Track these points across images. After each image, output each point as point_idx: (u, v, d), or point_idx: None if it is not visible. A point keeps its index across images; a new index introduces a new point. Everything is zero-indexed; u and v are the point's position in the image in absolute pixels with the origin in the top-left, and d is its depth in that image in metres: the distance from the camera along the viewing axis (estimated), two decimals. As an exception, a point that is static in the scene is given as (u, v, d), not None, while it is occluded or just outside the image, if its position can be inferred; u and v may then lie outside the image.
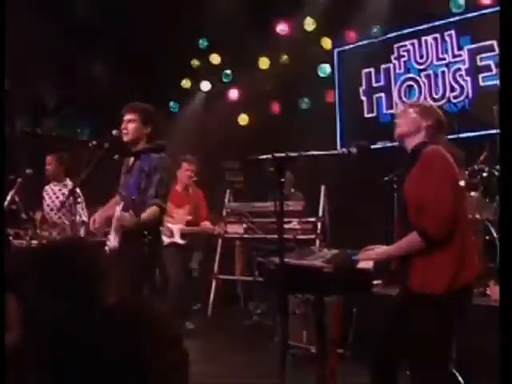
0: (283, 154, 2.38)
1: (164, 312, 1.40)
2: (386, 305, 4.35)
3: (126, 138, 3.88)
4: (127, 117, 3.89)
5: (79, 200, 5.15)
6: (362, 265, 2.52)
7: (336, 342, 3.10)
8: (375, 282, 2.56)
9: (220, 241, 6.87)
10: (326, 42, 7.65)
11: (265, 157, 2.39)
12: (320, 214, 6.31)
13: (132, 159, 3.94)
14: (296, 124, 7.64)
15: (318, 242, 6.10)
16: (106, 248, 3.76)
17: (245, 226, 6.52)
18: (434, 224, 2.42)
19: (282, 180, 2.35)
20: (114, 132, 3.92)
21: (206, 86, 8.67)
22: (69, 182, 5.76)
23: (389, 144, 3.06)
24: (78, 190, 5.63)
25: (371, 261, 2.62)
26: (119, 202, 3.88)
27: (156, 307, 1.41)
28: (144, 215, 3.61)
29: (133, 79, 7.91)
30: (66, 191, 5.64)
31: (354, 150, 2.65)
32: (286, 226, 5.99)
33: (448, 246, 2.45)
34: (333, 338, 3.10)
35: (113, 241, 3.71)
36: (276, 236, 5.80)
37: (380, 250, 2.68)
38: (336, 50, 7.74)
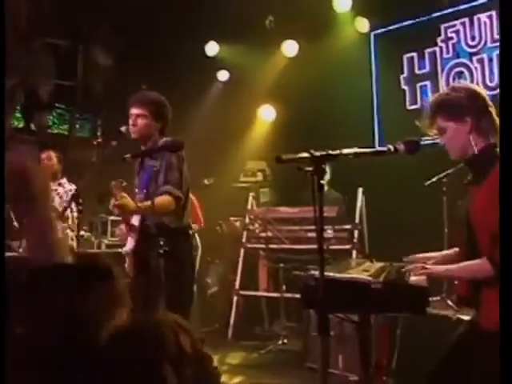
0: (323, 152, 2.36)
1: (190, 329, 1.41)
2: (433, 327, 4.34)
3: (134, 135, 3.86)
4: (135, 111, 3.87)
5: (80, 208, 5.16)
6: (415, 280, 2.49)
7: (382, 369, 3.06)
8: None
9: (242, 251, 6.86)
10: (361, 24, 7.63)
11: (302, 155, 2.36)
12: (357, 220, 6.28)
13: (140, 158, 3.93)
14: (328, 117, 7.62)
15: (354, 252, 6.07)
16: (122, 252, 3.77)
17: (270, 234, 6.52)
18: None
19: (322, 182, 2.32)
20: (123, 129, 3.90)
21: (223, 75, 8.69)
22: (65, 181, 5.73)
23: (438, 140, 3.02)
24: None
25: (424, 276, 2.59)
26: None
27: (183, 325, 1.42)
28: (147, 203, 3.54)
29: (141, 68, 7.95)
30: (61, 191, 5.64)
31: (401, 146, 2.62)
32: (314, 234, 5.96)
33: None
34: (378, 364, 3.06)
35: (128, 244, 3.73)
36: (305, 246, 5.93)
37: (440, 267, 2.63)
38: (373, 33, 7.71)
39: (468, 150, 2.67)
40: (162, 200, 3.59)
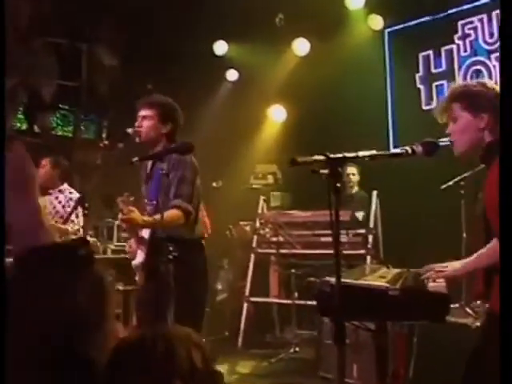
0: (339, 155, 2.35)
1: (203, 344, 1.41)
2: (451, 335, 4.31)
3: (139, 139, 3.86)
4: (142, 113, 3.87)
5: (86, 212, 5.14)
6: (434, 286, 2.48)
7: (399, 379, 3.04)
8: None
9: (252, 256, 6.85)
10: (375, 21, 7.61)
11: (317, 158, 2.35)
12: (371, 224, 6.27)
13: (150, 163, 3.92)
14: (340, 117, 7.61)
15: (368, 258, 6.05)
16: (132, 266, 3.77)
17: (281, 238, 6.51)
18: None
19: (338, 185, 2.31)
20: (130, 130, 3.90)
21: (232, 74, 8.69)
22: (66, 187, 5.72)
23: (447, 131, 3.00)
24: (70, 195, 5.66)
25: (443, 279, 2.57)
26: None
27: (196, 339, 1.42)
28: (157, 217, 3.53)
29: (147, 67, 7.95)
30: (62, 198, 5.63)
31: (418, 148, 2.60)
32: (327, 238, 5.98)
33: None
34: (395, 374, 3.04)
35: (138, 257, 3.72)
36: (318, 251, 5.92)
37: (455, 264, 2.61)
38: (387, 31, 7.70)
39: (476, 147, 2.64)
40: (172, 214, 3.59)
